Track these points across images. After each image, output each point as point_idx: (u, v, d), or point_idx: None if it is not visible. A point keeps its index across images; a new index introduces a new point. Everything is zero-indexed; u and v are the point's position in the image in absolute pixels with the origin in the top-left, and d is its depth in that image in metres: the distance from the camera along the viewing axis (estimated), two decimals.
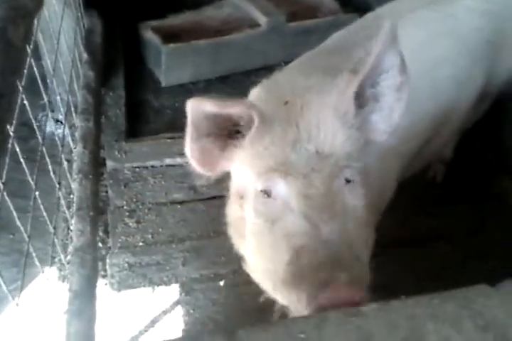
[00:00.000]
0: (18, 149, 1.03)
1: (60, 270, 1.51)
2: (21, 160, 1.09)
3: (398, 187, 1.98)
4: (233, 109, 0.91)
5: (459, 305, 0.66)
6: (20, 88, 0.98)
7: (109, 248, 1.68)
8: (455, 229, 1.88)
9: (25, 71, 1.03)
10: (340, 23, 1.57)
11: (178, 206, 1.87)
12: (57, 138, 1.56)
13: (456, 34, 1.50)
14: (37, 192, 1.12)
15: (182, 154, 2.01)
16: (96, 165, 1.48)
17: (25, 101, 1.13)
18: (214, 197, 1.91)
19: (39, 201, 1.13)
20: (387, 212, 1.86)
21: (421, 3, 1.55)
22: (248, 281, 1.16)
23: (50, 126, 2.30)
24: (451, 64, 1.47)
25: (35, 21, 1.02)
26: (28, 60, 1.07)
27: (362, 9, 1.56)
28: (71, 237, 1.30)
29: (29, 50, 1.03)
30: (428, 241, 1.85)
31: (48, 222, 1.15)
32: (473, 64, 1.51)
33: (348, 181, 0.96)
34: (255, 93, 1.20)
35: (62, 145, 1.34)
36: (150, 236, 1.74)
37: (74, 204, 1.31)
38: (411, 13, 1.49)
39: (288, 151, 0.94)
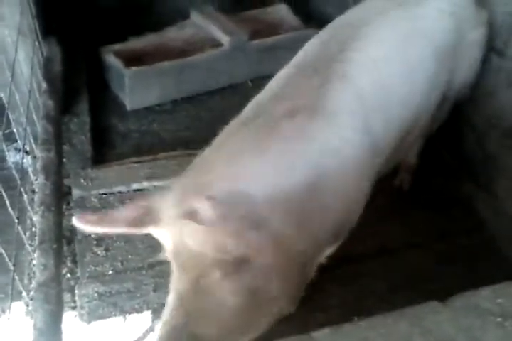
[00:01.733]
0: None
1: (27, 305, 1.48)
2: None
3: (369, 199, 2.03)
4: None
5: (410, 324, 0.67)
6: None
7: (78, 278, 1.66)
8: (424, 236, 1.92)
9: None
10: (302, 39, 1.58)
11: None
12: (17, 170, 1.54)
13: (428, 35, 1.52)
14: None
15: (149, 178, 2.05)
16: (59, 196, 1.46)
17: None
18: None
19: None
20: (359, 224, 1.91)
21: (389, 6, 1.56)
22: None
23: (14, 157, 2.28)
24: (424, 66, 1.49)
25: None
26: None
27: (324, 24, 1.57)
28: (34, 272, 1.28)
29: None
30: (399, 250, 1.87)
31: (7, 259, 1.13)
32: (442, 66, 1.54)
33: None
34: None
35: (21, 179, 1.31)
36: (119, 263, 1.72)
37: (36, 238, 1.29)
38: (381, 16, 1.49)
39: None
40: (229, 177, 1.05)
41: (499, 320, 0.69)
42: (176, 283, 1.04)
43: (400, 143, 1.48)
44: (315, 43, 1.49)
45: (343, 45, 1.38)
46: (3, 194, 1.18)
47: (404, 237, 1.91)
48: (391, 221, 1.96)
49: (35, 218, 1.37)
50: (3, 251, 1.12)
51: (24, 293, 1.32)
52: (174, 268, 1.07)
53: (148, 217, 1.04)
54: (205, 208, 0.91)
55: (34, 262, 1.30)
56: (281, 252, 1.01)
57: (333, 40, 1.44)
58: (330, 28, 1.57)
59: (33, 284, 1.25)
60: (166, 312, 1.03)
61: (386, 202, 2.00)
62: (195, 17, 2.82)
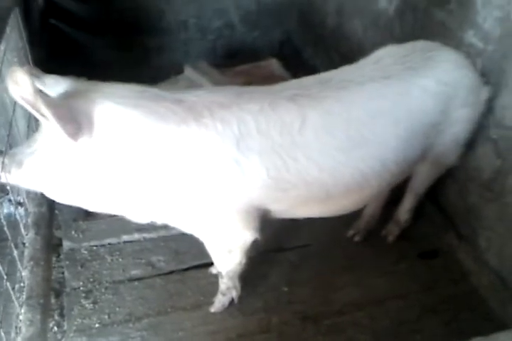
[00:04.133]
0: None
1: None
2: None
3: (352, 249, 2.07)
4: None
5: None
6: None
7: (65, 331, 1.67)
8: (408, 287, 1.95)
9: None
10: None
11: (136, 283, 1.88)
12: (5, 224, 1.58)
13: (405, 114, 1.51)
14: None
15: (139, 230, 2.09)
16: (49, 251, 1.50)
17: None
18: (172, 272, 1.94)
19: None
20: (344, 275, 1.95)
21: (376, 74, 1.53)
22: None
23: (7, 208, 2.32)
24: (388, 142, 1.49)
25: None
26: None
27: None
28: (20, 327, 1.30)
29: None
30: (384, 300, 1.90)
31: None
32: (412, 142, 1.55)
33: None
34: None
35: (9, 238, 1.36)
36: (107, 316, 1.74)
37: (24, 293, 1.33)
38: (361, 85, 1.48)
39: None
40: None
41: None
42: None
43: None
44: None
45: (319, 93, 1.43)
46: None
47: (389, 288, 1.94)
48: (377, 271, 2.00)
49: (24, 273, 1.40)
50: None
51: None
52: None
53: None
54: None
55: (21, 317, 1.32)
56: None
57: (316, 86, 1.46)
58: (318, 78, 1.56)
59: (19, 340, 1.27)
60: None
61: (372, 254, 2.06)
62: (189, 71, 2.94)
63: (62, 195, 1.40)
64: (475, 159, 1.96)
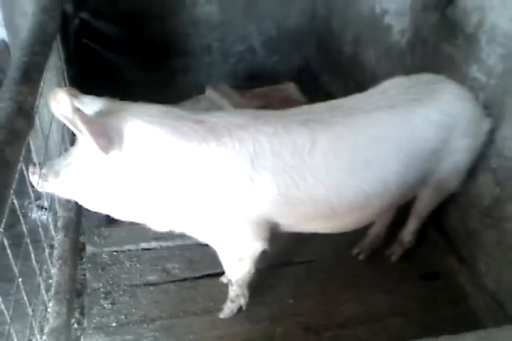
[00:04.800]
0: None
1: None
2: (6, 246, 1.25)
3: (356, 266, 2.17)
4: None
5: None
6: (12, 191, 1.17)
7: (84, 328, 1.80)
8: (409, 305, 2.03)
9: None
10: None
11: (151, 287, 2.01)
12: (40, 225, 1.73)
13: (407, 141, 1.62)
14: (20, 279, 1.27)
15: (157, 238, 2.22)
16: (75, 252, 1.64)
17: (14, 197, 1.32)
18: (185, 279, 2.07)
19: (21, 286, 1.28)
20: (347, 291, 2.04)
21: (381, 104, 1.64)
22: None
23: (35, 213, 2.48)
24: (389, 167, 1.60)
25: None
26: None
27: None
28: (48, 319, 1.44)
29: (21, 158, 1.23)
30: (385, 317, 1.99)
31: (28, 305, 1.30)
32: (412, 168, 1.66)
33: None
34: None
35: (42, 239, 1.50)
36: (123, 316, 1.87)
37: (52, 288, 1.46)
38: (368, 113, 1.60)
39: None
40: None
41: None
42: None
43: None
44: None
45: (332, 118, 1.57)
46: (30, 248, 1.37)
47: (391, 305, 2.03)
48: (379, 289, 2.10)
49: (53, 271, 1.54)
50: (26, 301, 1.28)
51: (35, 340, 1.46)
52: None
53: None
54: None
55: (48, 310, 1.45)
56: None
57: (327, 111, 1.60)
58: (329, 104, 1.69)
59: (46, 329, 1.40)
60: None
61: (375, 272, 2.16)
62: (210, 92, 3.10)
63: (93, 203, 1.55)
64: (476, 187, 2.07)
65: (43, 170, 1.47)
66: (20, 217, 1.48)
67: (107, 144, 1.34)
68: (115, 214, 1.59)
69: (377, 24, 2.82)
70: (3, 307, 1.17)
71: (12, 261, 1.29)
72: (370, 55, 2.96)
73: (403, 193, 1.74)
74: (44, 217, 2.46)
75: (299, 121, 1.53)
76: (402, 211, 2.14)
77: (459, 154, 1.80)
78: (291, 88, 3.39)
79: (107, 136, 1.34)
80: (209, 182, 1.44)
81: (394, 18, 2.67)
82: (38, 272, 1.38)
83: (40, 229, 1.49)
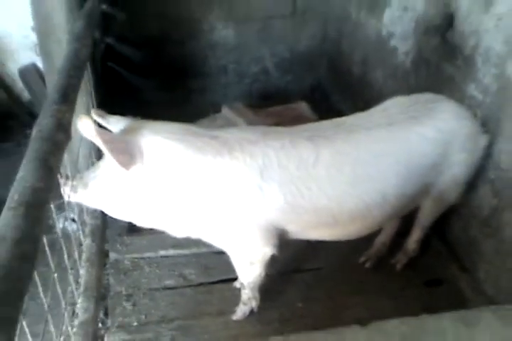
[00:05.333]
0: None
1: None
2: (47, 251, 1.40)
3: (362, 273, 2.29)
4: None
5: None
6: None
7: (108, 328, 1.94)
8: (412, 311, 2.12)
9: None
10: None
11: (169, 291, 2.15)
12: (71, 233, 1.90)
13: (406, 156, 1.74)
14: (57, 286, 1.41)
15: (174, 246, 2.37)
16: (101, 256, 1.80)
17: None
18: (201, 284, 2.21)
19: (57, 285, 1.43)
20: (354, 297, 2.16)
21: (382, 121, 1.76)
22: None
23: (62, 223, 2.66)
24: (389, 180, 1.72)
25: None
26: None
27: None
28: (77, 313, 1.59)
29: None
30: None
31: (63, 305, 1.45)
32: (411, 181, 1.79)
33: None
34: None
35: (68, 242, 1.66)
36: (143, 316, 2.01)
37: (81, 287, 1.62)
38: (368, 130, 1.73)
39: None
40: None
41: None
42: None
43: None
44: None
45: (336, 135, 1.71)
46: (65, 254, 1.52)
47: (395, 310, 2.13)
48: (385, 295, 2.21)
49: (82, 271, 1.70)
50: (62, 299, 1.43)
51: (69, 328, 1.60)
52: None
53: None
54: None
55: (78, 306, 1.61)
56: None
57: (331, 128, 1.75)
58: (333, 122, 1.84)
59: (76, 322, 1.55)
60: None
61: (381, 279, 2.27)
62: (226, 111, 3.28)
63: (117, 211, 1.71)
64: (477, 198, 2.18)
65: (73, 182, 1.63)
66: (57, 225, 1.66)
67: (128, 161, 1.50)
68: (137, 221, 1.75)
69: (383, 46, 2.99)
70: (44, 301, 1.32)
71: (51, 263, 1.42)
72: (377, 75, 3.12)
73: (403, 204, 1.85)
74: (71, 227, 2.65)
75: (305, 137, 1.67)
76: (407, 222, 2.27)
77: (457, 168, 1.91)
78: (303, 107, 3.55)
79: (128, 152, 1.49)
80: (222, 191, 1.59)
81: (399, 40, 2.83)
82: (69, 271, 1.53)
83: (71, 234, 1.64)
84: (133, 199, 1.62)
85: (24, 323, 1.02)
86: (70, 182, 1.62)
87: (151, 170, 1.55)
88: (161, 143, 1.55)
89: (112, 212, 1.72)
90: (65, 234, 1.90)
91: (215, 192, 1.61)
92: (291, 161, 1.62)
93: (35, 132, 1.17)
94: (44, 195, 0.99)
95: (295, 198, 1.64)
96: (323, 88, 3.98)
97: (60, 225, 2.60)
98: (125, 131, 1.57)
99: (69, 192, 1.63)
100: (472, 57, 2.16)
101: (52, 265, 1.36)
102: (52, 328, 1.31)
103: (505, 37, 1.94)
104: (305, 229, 1.79)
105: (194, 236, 1.80)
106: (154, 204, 1.63)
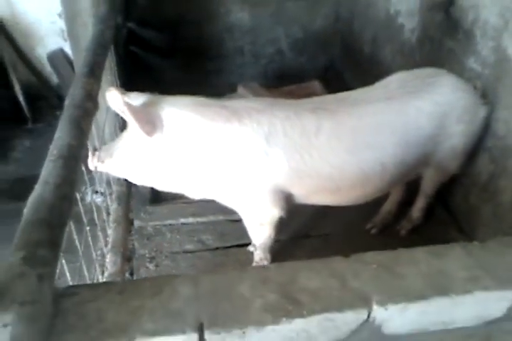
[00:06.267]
0: None
1: None
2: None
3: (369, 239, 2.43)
4: None
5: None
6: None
7: None
8: None
9: None
10: None
11: (189, 254, 2.35)
12: (94, 205, 2.07)
13: (402, 128, 1.86)
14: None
15: (193, 214, 2.56)
16: (126, 217, 2.00)
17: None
18: (217, 248, 2.40)
19: (91, 243, 1.63)
20: None
21: (381, 96, 1.88)
22: None
23: (90, 196, 2.88)
24: (387, 150, 1.85)
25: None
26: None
27: None
28: (106, 267, 1.79)
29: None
30: None
31: (94, 256, 1.65)
32: (410, 151, 1.91)
33: None
34: None
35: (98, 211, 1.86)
36: None
37: (109, 244, 1.82)
38: (368, 104, 1.85)
39: None
40: None
41: None
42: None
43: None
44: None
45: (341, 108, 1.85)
46: (96, 221, 1.71)
47: None
48: None
49: (109, 231, 1.90)
50: (93, 251, 1.63)
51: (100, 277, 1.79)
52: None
53: None
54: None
55: (107, 260, 1.81)
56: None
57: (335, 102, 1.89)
58: (337, 96, 1.97)
59: (106, 274, 1.75)
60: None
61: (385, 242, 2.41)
62: (241, 89, 3.43)
63: (140, 178, 1.88)
64: (476, 165, 2.31)
65: (100, 153, 1.81)
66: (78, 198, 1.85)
67: (151, 129, 1.67)
68: (158, 186, 1.93)
69: (391, 24, 3.10)
70: (80, 252, 1.52)
71: (86, 230, 1.60)
72: (386, 52, 3.23)
73: (402, 173, 1.98)
74: (98, 200, 2.87)
75: (308, 109, 1.82)
76: (412, 191, 2.41)
77: (456, 138, 2.02)
78: (315, 85, 3.68)
79: (150, 122, 1.67)
80: (232, 155, 1.76)
81: (405, 18, 2.93)
82: (98, 228, 1.73)
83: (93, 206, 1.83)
84: (154, 166, 1.79)
85: (64, 261, 1.21)
86: (96, 154, 1.80)
87: (169, 138, 1.72)
88: (177, 113, 1.72)
89: (135, 179, 1.90)
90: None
91: (225, 155, 1.76)
92: (295, 130, 1.77)
93: (68, 101, 1.36)
94: (77, 150, 1.18)
95: (298, 164, 1.79)
96: (336, 67, 4.08)
97: (88, 198, 2.85)
98: (146, 105, 1.74)
99: (96, 163, 1.81)
100: (471, 31, 2.26)
101: (85, 220, 1.55)
102: (86, 273, 1.51)
103: (500, 10, 2.04)
104: (309, 194, 1.95)
105: (209, 197, 1.95)
106: (173, 169, 1.79)
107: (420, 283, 1.04)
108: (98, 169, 1.84)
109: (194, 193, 1.94)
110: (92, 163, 1.81)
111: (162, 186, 1.92)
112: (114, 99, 1.56)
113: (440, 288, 1.03)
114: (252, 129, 1.74)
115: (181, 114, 1.72)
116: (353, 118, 1.84)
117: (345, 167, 1.84)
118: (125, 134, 1.82)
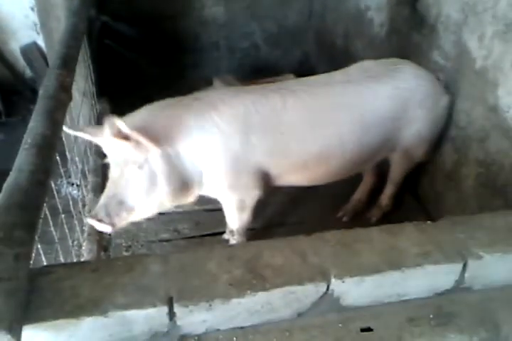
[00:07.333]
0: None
1: None
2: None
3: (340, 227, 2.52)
4: None
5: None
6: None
7: None
8: None
9: None
10: None
11: (165, 243, 2.40)
12: (70, 197, 2.10)
13: (359, 108, 1.99)
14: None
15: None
16: None
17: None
18: (193, 237, 2.46)
19: (68, 233, 1.68)
20: None
21: (340, 79, 2.04)
22: None
23: (66, 189, 2.92)
24: (343, 127, 1.99)
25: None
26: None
27: None
28: (83, 254, 1.84)
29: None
30: None
31: (70, 243, 1.70)
32: (364, 131, 2.03)
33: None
34: None
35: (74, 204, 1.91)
36: None
37: (85, 233, 1.87)
38: (328, 85, 2.01)
39: None
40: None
41: None
42: (111, 173, 1.72)
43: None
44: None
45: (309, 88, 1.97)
46: (73, 212, 1.76)
47: None
48: None
49: (85, 220, 1.95)
50: (69, 239, 1.68)
51: None
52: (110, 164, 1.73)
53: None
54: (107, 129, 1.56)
55: (83, 248, 1.86)
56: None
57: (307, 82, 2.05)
58: (300, 79, 2.17)
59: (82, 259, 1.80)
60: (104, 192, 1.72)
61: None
62: (217, 83, 3.48)
63: (163, 204, 1.88)
64: (441, 154, 2.42)
65: (101, 214, 1.66)
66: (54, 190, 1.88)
67: (155, 141, 1.66)
68: (177, 201, 1.94)
69: (362, 18, 3.19)
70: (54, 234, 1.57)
71: (62, 217, 1.64)
72: (357, 46, 3.32)
73: (365, 153, 2.09)
74: (74, 192, 2.91)
75: (273, 90, 1.95)
76: (383, 181, 2.51)
77: (418, 123, 2.13)
78: (291, 78, 3.76)
79: (154, 137, 1.65)
80: (216, 141, 1.81)
81: (375, 12, 3.02)
82: (76, 224, 1.78)
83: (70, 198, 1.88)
84: (164, 178, 1.74)
85: (39, 246, 1.26)
86: (103, 216, 1.66)
87: (167, 146, 1.72)
88: (158, 122, 1.75)
89: (158, 208, 1.89)
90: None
91: (211, 143, 1.81)
92: (266, 108, 1.88)
93: (41, 92, 1.40)
94: (51, 140, 1.23)
95: (272, 142, 1.89)
96: (310, 61, 4.16)
97: (64, 190, 2.88)
98: (135, 124, 1.65)
99: (113, 220, 1.69)
100: (435, 26, 2.36)
101: (60, 209, 1.59)
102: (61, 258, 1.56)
103: (460, 5, 2.14)
104: (284, 174, 2.03)
105: (205, 192, 1.97)
106: (186, 173, 1.80)
107: (375, 259, 1.12)
108: (119, 226, 1.74)
109: (202, 192, 1.96)
110: (107, 224, 1.68)
111: (179, 199, 1.92)
112: (118, 127, 1.54)
113: (393, 262, 1.11)
114: (229, 113, 1.81)
115: (161, 121, 1.76)
116: (312, 96, 1.96)
117: (308, 142, 1.96)
118: (112, 179, 1.71)
